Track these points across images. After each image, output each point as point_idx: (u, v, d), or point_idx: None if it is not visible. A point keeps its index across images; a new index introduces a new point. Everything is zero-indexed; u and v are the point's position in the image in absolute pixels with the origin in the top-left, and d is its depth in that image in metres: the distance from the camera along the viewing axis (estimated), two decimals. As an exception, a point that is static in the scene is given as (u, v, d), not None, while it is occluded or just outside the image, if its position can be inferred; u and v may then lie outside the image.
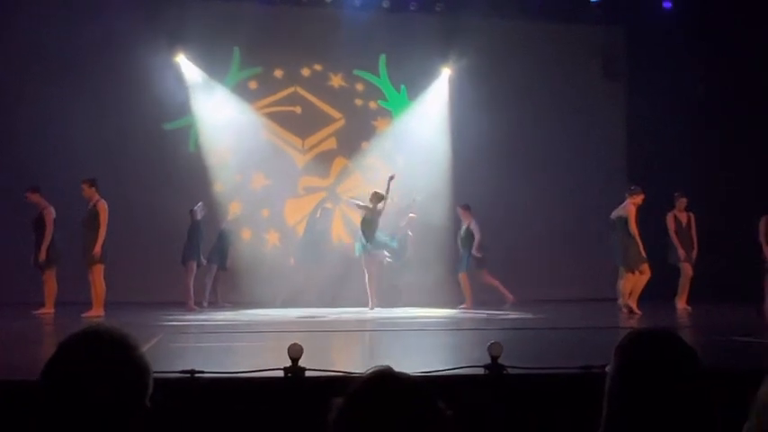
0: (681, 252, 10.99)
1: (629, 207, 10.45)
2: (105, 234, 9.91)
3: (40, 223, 10.17)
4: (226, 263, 12.03)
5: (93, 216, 9.95)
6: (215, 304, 11.68)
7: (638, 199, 10.50)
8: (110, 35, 12.18)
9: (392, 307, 11.40)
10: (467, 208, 11.72)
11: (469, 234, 11.62)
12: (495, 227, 11.84)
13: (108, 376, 1.60)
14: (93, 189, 10.08)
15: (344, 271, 12.29)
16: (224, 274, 12.12)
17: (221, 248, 11.99)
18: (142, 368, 1.66)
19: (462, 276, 11.59)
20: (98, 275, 9.93)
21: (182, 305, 10.97)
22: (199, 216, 11.42)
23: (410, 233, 12.32)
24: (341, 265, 12.48)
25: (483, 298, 11.52)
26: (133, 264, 11.97)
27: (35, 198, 10.24)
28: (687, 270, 11.00)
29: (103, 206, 9.97)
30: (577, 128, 13.30)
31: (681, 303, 10.92)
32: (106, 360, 1.62)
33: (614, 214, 10.73)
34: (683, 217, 11.23)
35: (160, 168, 12.44)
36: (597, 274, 12.17)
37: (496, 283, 11.51)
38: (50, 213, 10.19)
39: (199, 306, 11.14)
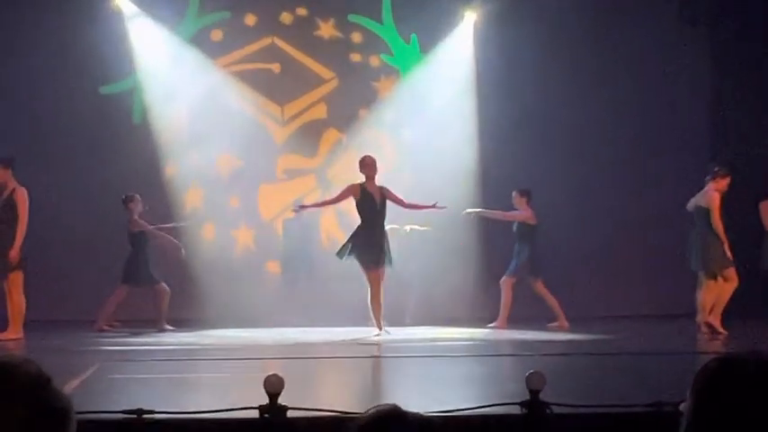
0: None
1: (712, 194, 10.43)
2: (25, 231, 9.91)
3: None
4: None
5: (10, 208, 9.95)
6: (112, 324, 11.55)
7: (723, 184, 10.48)
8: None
9: (398, 326, 11.42)
10: (524, 194, 11.72)
11: (524, 229, 11.63)
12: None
13: (9, 426, 1.59)
14: (9, 172, 10.07)
15: (341, 279, 12.30)
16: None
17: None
18: (58, 414, 1.66)
19: (505, 282, 11.60)
20: (16, 286, 9.94)
21: (125, 323, 11.05)
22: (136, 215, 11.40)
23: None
24: (336, 272, 12.49)
25: (524, 313, 11.53)
26: (61, 271, 11.99)
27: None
28: None
29: (23, 195, 9.96)
30: (645, 90, 13.25)
31: None
32: (8, 404, 1.60)
33: (691, 204, 10.72)
34: (784, 208, 11.21)
35: (95, 145, 12.46)
36: (671, 283, 12.16)
37: (552, 300, 11.52)
38: None
39: (111, 327, 11.18)
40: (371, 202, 10.54)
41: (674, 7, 13.28)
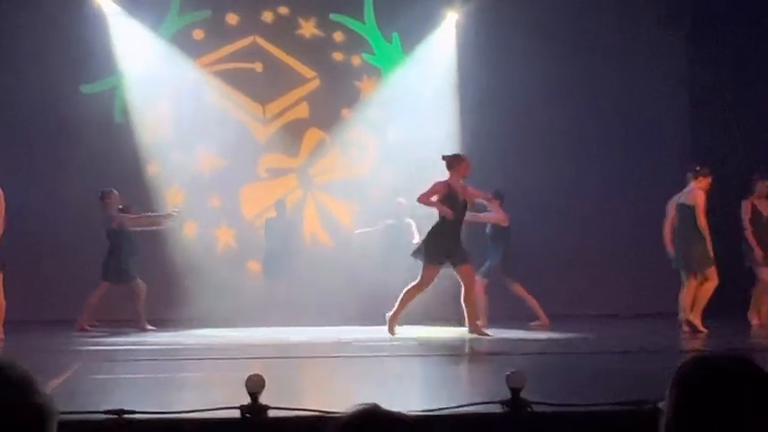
0: (757, 251, 11.03)
1: (696, 193, 10.47)
2: (3, 231, 9.85)
3: None
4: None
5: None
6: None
7: (705, 183, 10.53)
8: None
9: (378, 325, 11.43)
10: (498, 196, 11.71)
11: (497, 231, 11.62)
12: (517, 220, 11.86)
13: None
14: None
15: (323, 278, 12.31)
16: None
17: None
18: (43, 414, 1.67)
19: (478, 284, 11.59)
20: (-3, 285, 9.92)
21: (108, 323, 11.04)
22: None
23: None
24: (318, 271, 12.51)
25: (504, 312, 11.55)
26: (41, 271, 11.96)
27: None
28: (765, 275, 11.06)
29: (-1, 195, 9.90)
30: (623, 90, 13.32)
31: (756, 318, 11.00)
32: None
33: (674, 202, 10.76)
34: (764, 206, 11.26)
35: (76, 144, 12.42)
36: (652, 282, 12.22)
37: (532, 300, 11.53)
38: None
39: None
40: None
41: (652, 10, 13.35)
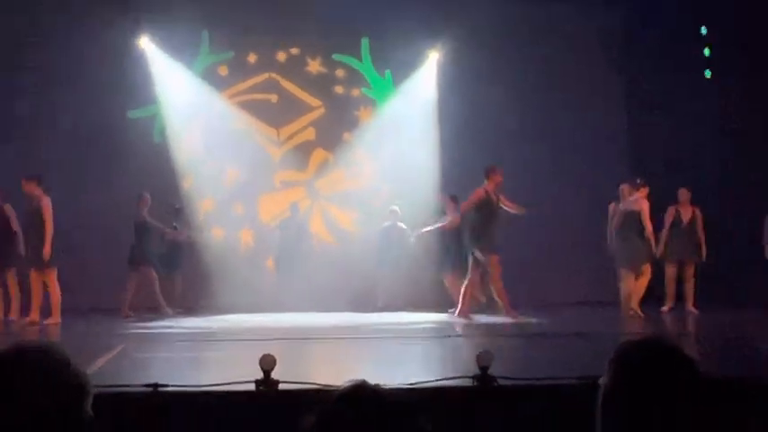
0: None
1: (642, 202, 10.46)
2: (52, 233, 9.82)
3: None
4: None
5: (38, 214, 9.86)
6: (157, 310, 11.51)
7: (646, 192, 10.54)
8: (68, 15, 12.18)
9: (370, 312, 11.42)
10: (453, 199, 11.67)
11: (453, 231, 11.57)
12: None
13: (32, 399, 1.60)
14: (35, 184, 9.95)
15: (327, 272, 12.28)
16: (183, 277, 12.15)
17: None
18: (76, 389, 1.66)
19: (449, 280, 11.56)
20: (51, 279, 9.89)
21: (151, 310, 11.02)
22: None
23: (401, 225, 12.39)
24: (322, 266, 12.48)
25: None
26: (92, 265, 11.93)
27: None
28: (668, 271, 11.08)
29: (47, 203, 9.87)
30: (577, 118, 13.31)
31: (667, 306, 11.03)
32: (33, 380, 1.61)
33: (621, 209, 10.76)
34: (687, 211, 11.23)
35: (123, 160, 12.41)
36: (600, 274, 12.20)
37: (457, 290, 11.44)
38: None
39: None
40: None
41: (599, 53, 13.41)
